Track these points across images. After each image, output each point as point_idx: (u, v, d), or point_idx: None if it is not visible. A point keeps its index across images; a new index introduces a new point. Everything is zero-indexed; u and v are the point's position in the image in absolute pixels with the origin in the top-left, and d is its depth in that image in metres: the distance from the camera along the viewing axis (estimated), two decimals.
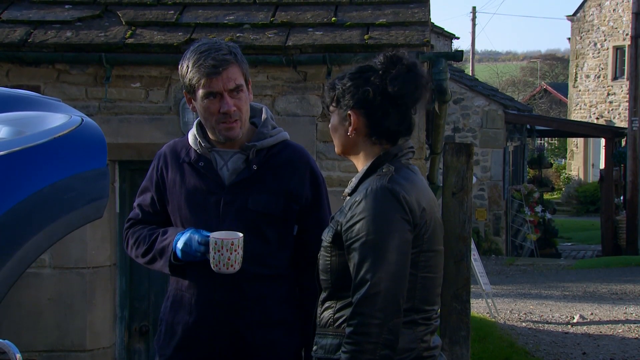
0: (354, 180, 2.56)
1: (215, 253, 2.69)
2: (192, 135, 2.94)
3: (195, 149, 2.92)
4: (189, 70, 2.82)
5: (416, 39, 5.00)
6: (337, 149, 2.65)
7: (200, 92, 2.81)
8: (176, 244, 2.80)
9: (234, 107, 2.81)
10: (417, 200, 2.44)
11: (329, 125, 2.64)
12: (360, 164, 2.58)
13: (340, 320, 2.46)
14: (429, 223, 2.47)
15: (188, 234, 2.78)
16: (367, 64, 2.58)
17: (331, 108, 2.61)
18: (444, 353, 2.68)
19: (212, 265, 2.71)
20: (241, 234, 2.72)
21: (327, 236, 2.52)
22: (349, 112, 2.53)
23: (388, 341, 2.33)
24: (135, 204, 3.04)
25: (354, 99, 2.52)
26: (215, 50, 2.80)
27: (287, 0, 5.52)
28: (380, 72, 2.51)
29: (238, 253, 2.70)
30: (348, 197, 2.54)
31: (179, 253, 2.79)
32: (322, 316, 2.55)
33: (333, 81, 2.62)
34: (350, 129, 2.54)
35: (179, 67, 2.88)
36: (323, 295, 2.57)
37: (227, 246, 2.68)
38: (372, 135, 2.54)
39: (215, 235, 2.71)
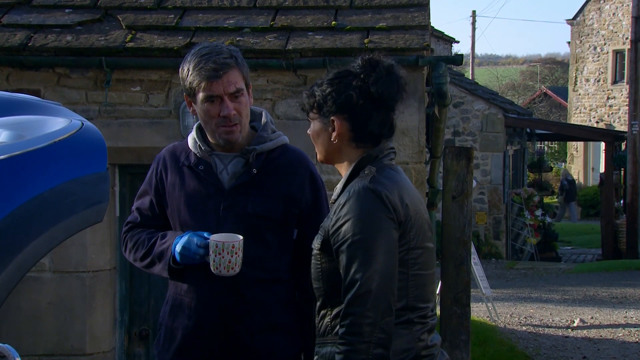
0: (338, 186, 2.58)
1: (215, 256, 2.69)
2: (191, 138, 2.94)
3: (195, 152, 2.91)
4: (190, 73, 2.82)
5: (416, 43, 4.99)
6: (319, 156, 2.65)
7: (201, 95, 2.82)
8: (175, 247, 2.80)
9: (234, 110, 2.81)
10: (400, 197, 2.45)
11: (309, 132, 2.64)
12: (344, 169, 2.59)
13: (338, 327, 2.46)
14: (414, 219, 2.47)
15: (187, 237, 2.77)
16: (345, 68, 2.59)
17: (311, 115, 2.61)
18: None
19: (212, 268, 2.71)
20: (241, 237, 2.72)
21: (316, 243, 2.53)
22: (332, 117, 2.54)
23: (381, 340, 2.33)
24: (133, 208, 3.04)
25: (337, 104, 2.52)
26: (216, 54, 2.80)
27: (287, 4, 5.52)
28: (361, 75, 2.52)
29: (238, 256, 2.70)
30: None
31: (177, 256, 2.79)
32: (319, 325, 2.54)
33: (311, 87, 2.62)
34: (334, 134, 2.55)
35: (180, 70, 2.89)
36: (318, 304, 2.56)
37: (228, 249, 2.68)
38: (355, 139, 2.54)
39: (215, 237, 2.71)
